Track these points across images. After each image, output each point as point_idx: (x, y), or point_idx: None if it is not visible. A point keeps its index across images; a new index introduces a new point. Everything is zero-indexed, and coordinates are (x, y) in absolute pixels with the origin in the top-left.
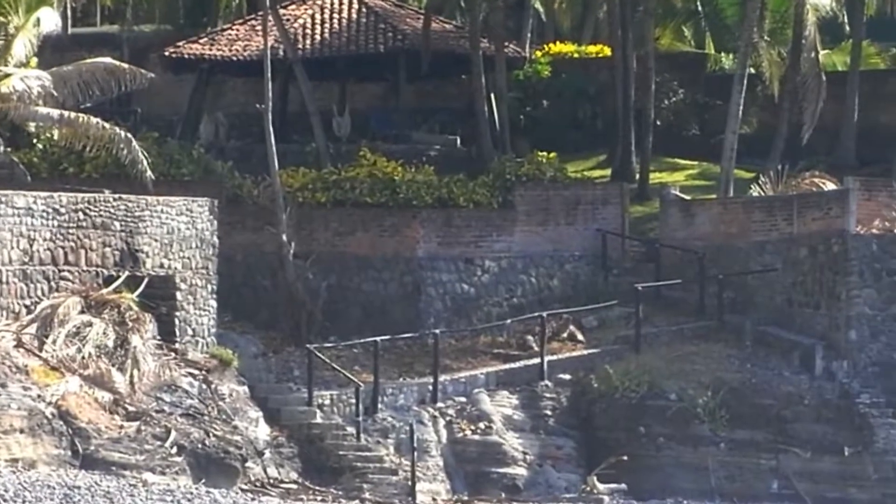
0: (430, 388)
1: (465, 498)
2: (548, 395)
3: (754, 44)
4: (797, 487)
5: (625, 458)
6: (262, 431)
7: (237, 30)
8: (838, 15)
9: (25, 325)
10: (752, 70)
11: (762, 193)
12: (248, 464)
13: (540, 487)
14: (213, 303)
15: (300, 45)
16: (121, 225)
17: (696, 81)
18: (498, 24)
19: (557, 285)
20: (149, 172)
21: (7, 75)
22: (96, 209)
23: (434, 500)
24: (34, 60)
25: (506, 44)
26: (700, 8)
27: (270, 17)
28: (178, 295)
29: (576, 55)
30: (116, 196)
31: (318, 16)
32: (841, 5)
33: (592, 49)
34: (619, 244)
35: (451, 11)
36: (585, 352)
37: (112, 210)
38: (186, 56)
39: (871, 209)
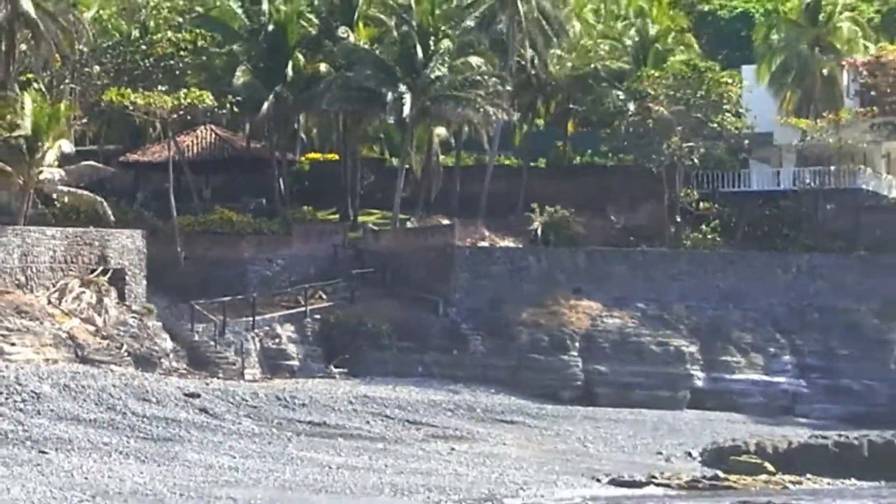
0: (251, 322)
1: (269, 376)
2: (309, 325)
3: (408, 156)
4: (432, 371)
5: (347, 357)
6: (169, 345)
7: (155, 147)
8: None
9: (52, 293)
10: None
11: (415, 226)
12: (162, 360)
13: (305, 370)
14: (144, 282)
15: (187, 154)
16: (98, 243)
17: (381, 172)
18: (283, 143)
19: (313, 272)
20: (112, 218)
21: (42, 171)
22: (86, 236)
23: (253, 377)
24: (55, 163)
25: (288, 153)
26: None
27: (172, 142)
28: (127, 278)
29: (322, 159)
30: (96, 230)
31: (195, 140)
32: None
33: (332, 156)
34: (343, 252)
35: (260, 137)
36: (327, 304)
37: (94, 236)
38: (130, 161)
39: (469, 232)
